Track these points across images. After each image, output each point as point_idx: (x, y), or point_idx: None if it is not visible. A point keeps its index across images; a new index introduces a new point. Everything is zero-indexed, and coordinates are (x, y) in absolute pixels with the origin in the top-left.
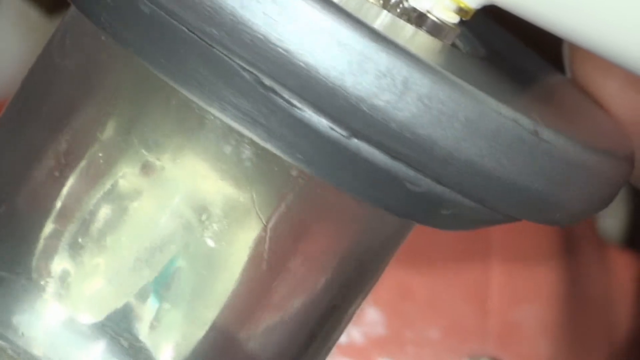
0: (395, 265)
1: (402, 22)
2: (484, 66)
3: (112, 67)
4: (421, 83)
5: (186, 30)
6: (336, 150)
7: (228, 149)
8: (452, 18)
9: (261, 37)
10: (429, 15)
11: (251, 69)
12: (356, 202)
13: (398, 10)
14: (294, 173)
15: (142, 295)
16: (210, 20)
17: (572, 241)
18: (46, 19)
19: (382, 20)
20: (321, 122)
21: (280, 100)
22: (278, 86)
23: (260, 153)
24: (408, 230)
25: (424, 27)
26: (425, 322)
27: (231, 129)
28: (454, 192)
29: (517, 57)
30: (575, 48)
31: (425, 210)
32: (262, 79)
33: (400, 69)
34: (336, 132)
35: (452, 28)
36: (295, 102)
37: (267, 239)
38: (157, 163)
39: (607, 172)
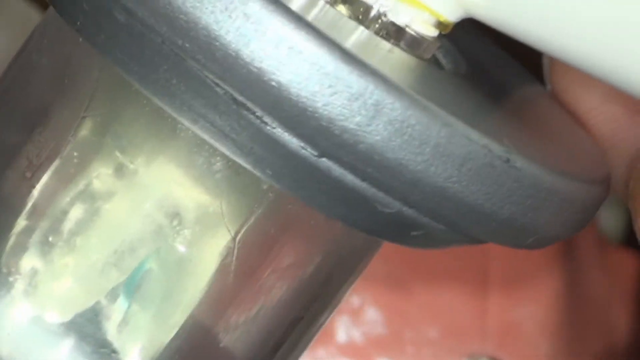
0: (395, 265)
1: (378, 39)
2: (462, 84)
3: (89, 68)
4: (392, 107)
5: (160, 41)
6: (306, 169)
7: (200, 159)
8: (431, 32)
9: (233, 54)
10: (407, 29)
11: (223, 85)
12: (326, 218)
13: (377, 25)
14: (265, 187)
15: (111, 296)
16: (184, 34)
17: (572, 241)
18: None
19: (357, 36)
20: (292, 141)
21: (252, 117)
22: (250, 103)
23: (232, 165)
24: (378, 246)
25: (403, 42)
26: (425, 322)
27: (203, 140)
28: (424, 215)
29: (499, 69)
30: (555, 61)
31: (395, 230)
32: (234, 95)
33: (372, 92)
34: (307, 151)
35: (431, 42)
36: (266, 119)
37: (235, 250)
38: (131, 166)
39: (581, 198)
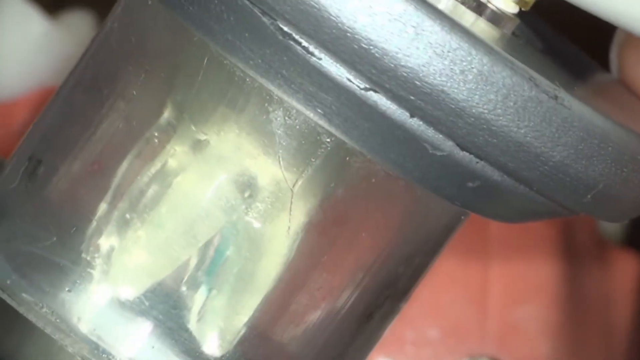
0: None
1: (463, 8)
2: (540, 56)
3: (152, 25)
4: (432, 30)
5: None
6: (354, 103)
7: (261, 115)
8: (512, 8)
9: None
10: (488, 4)
11: (269, 12)
12: (387, 177)
13: None
14: (321, 137)
15: (191, 284)
16: None
17: (572, 241)
18: (47, 18)
19: (444, 4)
20: (338, 72)
21: (299, 48)
22: (295, 32)
23: (290, 115)
24: (456, 224)
25: (484, 16)
26: (425, 322)
27: (261, 89)
28: (475, 157)
29: (570, 53)
30: (627, 49)
31: (449, 180)
32: (281, 25)
33: (412, 14)
34: (352, 83)
35: (511, 18)
36: (312, 50)
37: (291, 202)
38: (204, 138)
39: None
